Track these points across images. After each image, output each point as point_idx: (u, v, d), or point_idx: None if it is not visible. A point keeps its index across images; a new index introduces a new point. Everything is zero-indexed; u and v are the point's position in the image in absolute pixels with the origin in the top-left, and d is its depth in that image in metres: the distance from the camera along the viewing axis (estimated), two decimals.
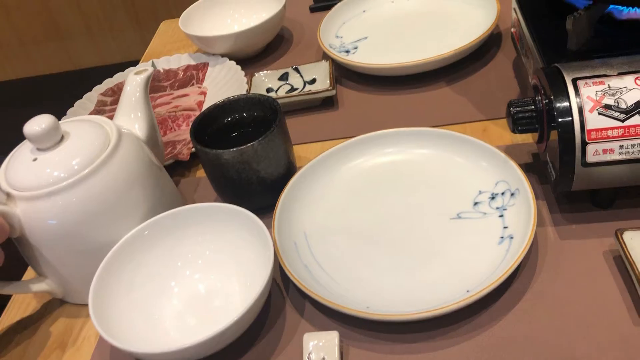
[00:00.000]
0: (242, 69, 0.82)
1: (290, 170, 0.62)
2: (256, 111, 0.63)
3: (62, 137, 0.53)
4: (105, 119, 0.57)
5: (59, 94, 1.71)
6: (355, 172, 0.62)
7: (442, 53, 0.72)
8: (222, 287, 0.53)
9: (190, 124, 0.74)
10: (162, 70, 0.87)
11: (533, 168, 0.59)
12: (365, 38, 0.84)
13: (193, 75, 0.84)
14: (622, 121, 0.47)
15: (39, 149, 0.53)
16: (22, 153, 0.54)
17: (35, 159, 0.52)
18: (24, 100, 1.73)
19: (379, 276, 0.52)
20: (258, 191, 0.60)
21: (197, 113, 0.77)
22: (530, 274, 0.50)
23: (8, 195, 0.52)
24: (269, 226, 0.54)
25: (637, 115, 0.47)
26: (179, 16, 0.89)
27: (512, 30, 0.70)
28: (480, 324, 0.47)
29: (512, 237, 0.52)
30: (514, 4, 0.67)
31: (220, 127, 0.63)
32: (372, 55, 0.80)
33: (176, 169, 0.71)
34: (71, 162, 0.52)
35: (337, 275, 0.53)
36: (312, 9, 0.97)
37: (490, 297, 0.48)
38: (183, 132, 0.74)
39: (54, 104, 1.65)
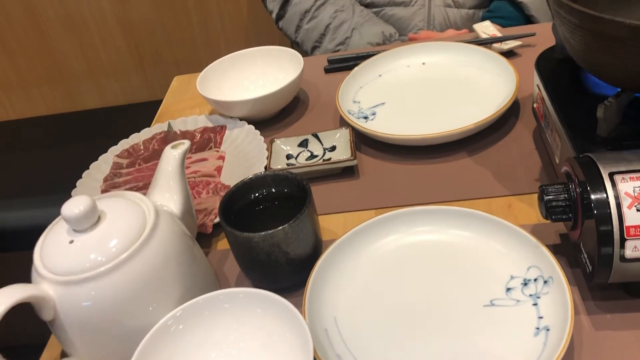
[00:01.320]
0: (260, 132, 0.82)
1: (317, 247, 0.61)
2: (283, 187, 0.63)
3: (99, 218, 0.53)
4: (141, 197, 0.56)
5: (60, 134, 1.69)
6: (384, 252, 0.62)
7: (463, 126, 0.72)
8: None
9: (210, 191, 0.74)
10: (178, 132, 0.86)
11: (563, 250, 0.59)
12: (383, 104, 0.84)
13: (211, 138, 0.83)
14: None
15: (75, 230, 0.52)
16: (57, 233, 0.53)
17: (71, 241, 0.51)
18: (25, 141, 1.71)
19: None
20: (286, 271, 0.59)
21: (217, 180, 0.77)
22: None
23: (44, 277, 0.51)
24: (297, 305, 0.53)
25: None
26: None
27: (535, 105, 0.70)
28: None
29: (548, 329, 0.51)
30: (537, 80, 0.68)
31: (247, 203, 0.63)
32: (391, 122, 0.80)
33: (199, 240, 0.70)
34: (108, 245, 0.51)
35: None
36: (327, 70, 0.97)
37: None
38: (204, 201, 0.73)
39: (53, 143, 1.65)
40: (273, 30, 1.36)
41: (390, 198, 0.71)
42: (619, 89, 0.56)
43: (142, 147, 0.85)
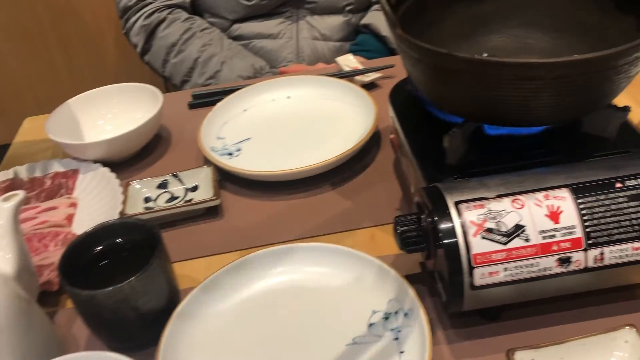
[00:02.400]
0: (117, 175, 0.77)
1: (173, 298, 0.57)
2: (133, 236, 0.58)
3: None
4: None
5: None
6: (244, 298, 0.59)
7: (325, 160, 0.72)
8: None
9: (59, 243, 0.68)
10: (25, 179, 0.79)
11: (423, 279, 0.59)
12: (248, 139, 0.82)
13: (62, 184, 0.77)
14: (505, 244, 0.48)
15: None
16: None
17: None
18: None
19: None
20: (138, 328, 0.54)
21: (68, 230, 0.70)
22: None
23: None
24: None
25: (516, 238, 0.48)
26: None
27: (391, 136, 0.71)
28: None
29: None
30: (391, 112, 0.69)
31: (92, 255, 0.57)
32: (256, 157, 0.78)
33: (45, 298, 0.63)
34: None
35: None
36: (191, 106, 0.94)
37: None
38: (51, 255, 0.66)
39: None
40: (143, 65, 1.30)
41: (255, 237, 0.68)
42: (463, 119, 0.58)
43: None
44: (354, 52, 1.19)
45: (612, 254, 0.49)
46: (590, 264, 0.49)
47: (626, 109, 0.56)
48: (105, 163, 0.79)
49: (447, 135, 0.55)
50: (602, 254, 0.49)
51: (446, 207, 0.50)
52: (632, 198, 0.49)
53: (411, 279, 0.57)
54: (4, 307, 0.49)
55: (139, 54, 1.21)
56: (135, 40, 1.20)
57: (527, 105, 0.51)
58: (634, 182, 0.50)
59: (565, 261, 0.49)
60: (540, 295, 0.51)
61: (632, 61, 0.49)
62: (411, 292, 0.54)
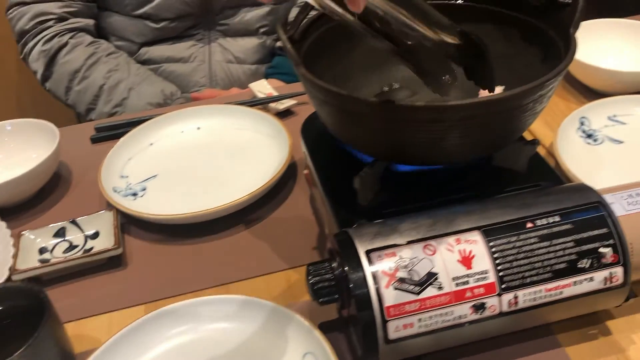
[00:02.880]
0: (7, 223, 0.70)
1: None
2: (16, 301, 0.52)
3: None
4: None
5: None
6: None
7: (235, 199, 0.68)
8: None
9: None
10: None
11: (341, 327, 0.57)
12: (155, 176, 0.77)
13: None
14: (418, 294, 0.46)
15: None
16: None
17: None
18: None
19: None
20: None
21: None
22: None
23: None
24: None
25: (430, 287, 0.47)
26: None
27: (305, 172, 0.68)
28: None
29: None
30: (304, 148, 0.66)
31: None
32: (162, 197, 0.74)
33: None
34: None
35: None
36: (94, 140, 0.88)
37: None
38: None
39: None
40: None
41: (162, 289, 0.63)
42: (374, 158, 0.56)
43: None
44: (271, 75, 1.16)
45: (525, 296, 0.48)
46: (505, 308, 0.48)
47: (534, 143, 0.56)
48: None
49: (358, 177, 0.53)
50: (516, 297, 0.48)
51: (357, 257, 0.47)
52: (542, 238, 0.49)
53: (329, 327, 0.54)
54: None
55: (39, 81, 1.13)
56: (35, 66, 1.12)
57: (434, 146, 0.49)
58: (544, 222, 0.49)
59: (479, 307, 0.47)
60: (457, 342, 0.49)
61: (537, 99, 0.49)
62: (325, 345, 0.51)
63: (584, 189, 0.52)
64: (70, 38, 1.10)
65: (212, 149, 0.81)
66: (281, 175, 0.72)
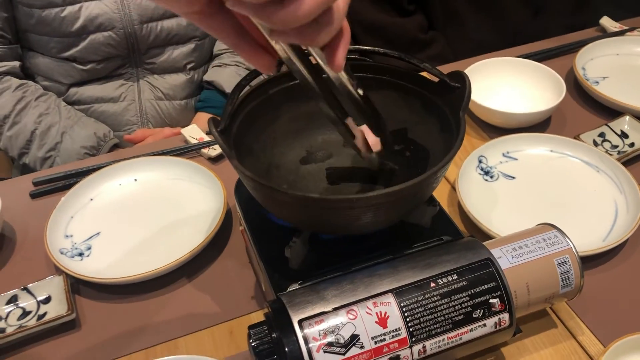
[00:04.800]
0: None
1: None
2: None
3: None
4: None
5: None
6: None
7: (178, 257, 0.74)
8: None
9: None
10: None
11: None
12: (98, 234, 0.82)
13: None
14: (344, 354, 0.55)
15: None
16: None
17: None
18: None
19: None
20: None
21: None
22: None
23: None
24: None
25: (353, 347, 0.56)
26: None
27: (240, 228, 0.75)
28: None
29: None
30: (238, 208, 0.73)
31: None
32: (108, 255, 0.79)
33: None
34: None
35: None
36: (33, 195, 0.91)
37: None
38: None
39: None
40: None
41: (115, 348, 0.69)
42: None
43: None
44: (200, 108, 1.21)
45: (432, 345, 0.58)
46: (416, 357, 0.57)
47: (435, 204, 0.66)
48: None
49: (288, 247, 0.61)
50: (424, 347, 0.58)
51: (292, 326, 0.56)
52: (443, 295, 0.58)
53: None
54: None
55: None
56: None
57: (352, 225, 0.58)
58: (444, 280, 0.59)
59: (395, 359, 0.57)
60: None
61: (438, 177, 0.58)
62: None
63: (477, 246, 0.63)
64: None
65: (150, 202, 0.87)
66: (217, 229, 0.78)
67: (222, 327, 0.71)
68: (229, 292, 0.75)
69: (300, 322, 0.56)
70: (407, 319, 0.57)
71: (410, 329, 0.57)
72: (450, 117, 0.65)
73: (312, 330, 0.55)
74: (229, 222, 0.84)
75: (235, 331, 0.71)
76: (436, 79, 0.67)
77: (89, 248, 0.80)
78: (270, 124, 0.72)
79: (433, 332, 0.58)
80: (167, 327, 0.71)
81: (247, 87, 0.68)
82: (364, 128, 0.58)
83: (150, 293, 0.75)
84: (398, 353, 0.57)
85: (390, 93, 0.71)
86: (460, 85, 0.64)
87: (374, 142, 0.59)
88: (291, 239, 0.62)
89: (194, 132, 0.99)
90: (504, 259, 0.63)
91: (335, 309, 0.57)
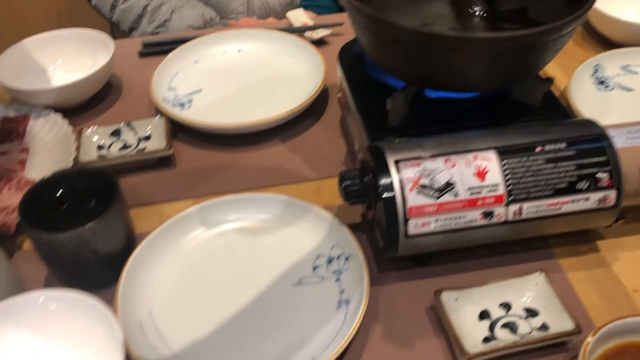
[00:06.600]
0: (69, 121, 0.78)
1: (130, 242, 0.61)
2: (90, 183, 0.61)
3: None
4: None
5: None
6: (198, 242, 0.63)
7: (276, 114, 0.75)
8: None
9: (13, 188, 0.70)
10: None
11: (364, 228, 0.65)
12: (200, 91, 0.84)
13: (12, 130, 0.77)
14: (437, 199, 0.54)
15: None
16: None
17: None
18: None
19: (229, 352, 0.53)
20: (97, 269, 0.58)
21: (20, 175, 0.72)
22: (366, 334, 0.55)
23: None
24: (110, 302, 0.53)
25: (447, 194, 0.54)
26: None
27: (339, 95, 0.75)
28: None
29: (348, 302, 0.56)
30: (339, 72, 0.73)
31: (51, 200, 0.60)
32: (207, 109, 0.81)
33: (1, 241, 0.65)
34: None
35: (187, 356, 0.53)
36: (142, 54, 0.95)
37: None
38: (5, 199, 0.68)
39: None
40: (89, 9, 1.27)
41: (207, 186, 0.72)
42: (405, 83, 0.63)
43: None
44: (305, 7, 1.21)
45: (529, 209, 0.56)
46: (510, 217, 0.56)
47: (549, 81, 0.63)
48: (56, 109, 0.80)
49: (390, 99, 0.60)
50: (520, 208, 0.56)
51: (386, 165, 0.55)
52: (548, 161, 0.56)
53: (353, 227, 0.63)
54: None
55: None
56: None
57: (463, 73, 0.56)
58: (551, 147, 0.56)
59: (488, 214, 0.55)
60: (465, 243, 0.58)
61: (557, 38, 0.55)
62: (352, 239, 0.60)
63: (589, 123, 0.59)
64: None
65: (251, 71, 0.88)
66: (317, 96, 0.79)
67: (310, 184, 0.72)
68: (320, 156, 0.75)
69: (396, 162, 0.55)
70: (507, 177, 0.55)
71: (509, 187, 0.55)
72: None
73: (408, 170, 0.55)
74: (326, 97, 0.84)
75: (323, 188, 0.71)
76: None
77: (190, 101, 0.83)
78: None
79: (532, 195, 0.55)
80: (257, 176, 0.73)
81: None
82: None
83: (243, 146, 0.77)
84: (492, 209, 0.55)
85: None
86: None
87: None
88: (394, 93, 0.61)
89: (299, 16, 0.99)
90: (618, 138, 0.59)
91: (433, 156, 0.56)
